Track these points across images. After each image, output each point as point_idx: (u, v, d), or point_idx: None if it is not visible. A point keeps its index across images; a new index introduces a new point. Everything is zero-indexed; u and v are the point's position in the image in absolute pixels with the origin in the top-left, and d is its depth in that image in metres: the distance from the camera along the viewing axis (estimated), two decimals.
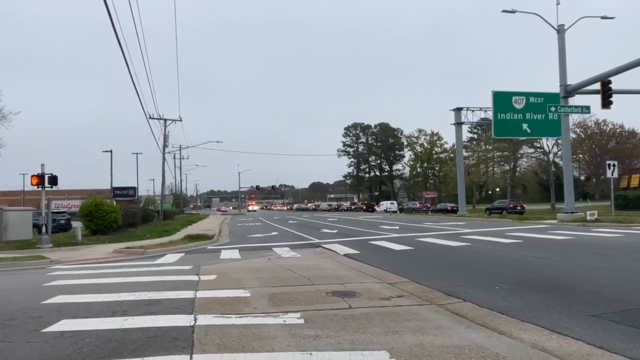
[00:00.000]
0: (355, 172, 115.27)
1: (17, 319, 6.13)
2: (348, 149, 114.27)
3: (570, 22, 28.51)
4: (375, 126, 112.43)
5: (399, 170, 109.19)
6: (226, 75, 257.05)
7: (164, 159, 40.37)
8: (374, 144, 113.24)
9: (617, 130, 73.99)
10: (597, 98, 24.64)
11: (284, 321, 5.67)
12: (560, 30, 28.14)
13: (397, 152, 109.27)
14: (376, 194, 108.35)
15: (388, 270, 9.73)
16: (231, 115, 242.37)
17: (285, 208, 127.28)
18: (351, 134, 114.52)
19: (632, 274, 8.81)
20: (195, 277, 9.24)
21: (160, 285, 8.37)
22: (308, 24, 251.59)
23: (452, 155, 76.05)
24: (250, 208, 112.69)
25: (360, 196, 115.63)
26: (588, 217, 24.22)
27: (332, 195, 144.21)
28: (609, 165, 25.90)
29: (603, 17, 28.95)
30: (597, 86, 24.66)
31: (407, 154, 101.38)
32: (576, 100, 30.07)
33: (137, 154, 61.74)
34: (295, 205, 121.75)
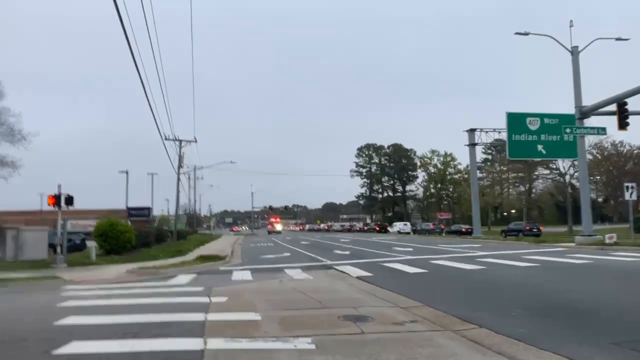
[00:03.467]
0: (368, 193, 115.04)
1: (28, 339, 6.14)
2: (361, 169, 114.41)
3: (585, 43, 28.47)
4: (388, 147, 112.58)
5: (412, 191, 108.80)
6: (238, 97, 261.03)
7: (178, 179, 40.80)
8: (387, 165, 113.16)
9: (635, 151, 72.73)
10: (614, 119, 24.31)
11: (295, 346, 5.57)
12: (574, 52, 28.07)
13: (410, 172, 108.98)
14: (389, 214, 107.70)
15: (401, 293, 9.56)
16: (243, 135, 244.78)
17: (298, 228, 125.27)
18: (364, 155, 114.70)
19: None
20: (206, 299, 9.19)
21: (171, 307, 8.33)
22: (321, 46, 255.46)
23: (466, 176, 75.42)
24: (275, 228, 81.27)
25: (373, 217, 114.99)
26: (607, 241, 23.65)
27: (345, 216, 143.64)
28: (627, 187, 25.40)
29: (617, 39, 28.87)
30: (613, 107, 24.36)
31: (421, 175, 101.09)
32: (592, 121, 29.68)
33: (152, 174, 62.58)
34: (307, 226, 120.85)
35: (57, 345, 5.68)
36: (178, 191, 40.98)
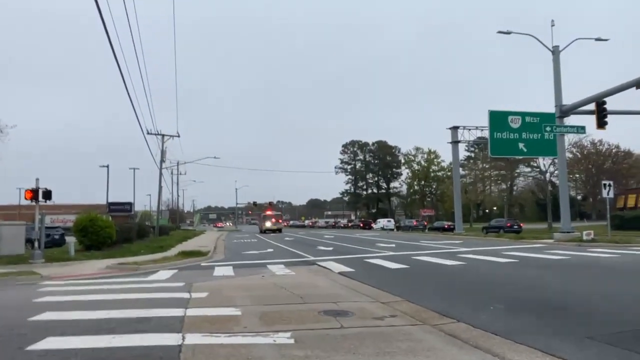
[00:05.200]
0: (352, 190, 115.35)
1: (1, 336, 6.01)
2: (346, 166, 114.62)
3: (566, 43, 28.95)
4: (373, 144, 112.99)
5: (397, 187, 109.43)
6: (223, 91, 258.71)
7: (160, 174, 40.33)
8: (372, 162, 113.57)
9: (613, 150, 74.43)
10: (593, 118, 24.82)
11: (274, 341, 5.56)
12: (555, 52, 28.51)
13: (394, 169, 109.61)
14: (373, 211, 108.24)
15: (382, 289, 9.62)
16: (228, 131, 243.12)
17: (284, 224, 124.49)
18: (349, 151, 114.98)
19: (627, 295, 8.74)
20: (186, 295, 9.11)
21: (150, 303, 8.24)
22: (306, 42, 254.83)
23: (449, 173, 76.27)
24: (271, 224, 58.80)
25: (358, 213, 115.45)
26: (584, 237, 24.16)
27: (330, 212, 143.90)
28: (605, 185, 25.95)
29: (597, 39, 29.37)
30: (592, 106, 24.87)
31: (405, 172, 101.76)
32: (572, 120, 30.29)
33: (134, 169, 61.72)
34: (291, 222, 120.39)
35: (31, 341, 5.57)
36: (160, 186, 40.54)
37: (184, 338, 5.68)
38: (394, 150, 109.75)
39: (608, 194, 25.85)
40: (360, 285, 10.25)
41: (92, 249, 21.25)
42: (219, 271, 14.09)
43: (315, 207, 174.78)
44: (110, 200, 54.82)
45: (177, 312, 7.34)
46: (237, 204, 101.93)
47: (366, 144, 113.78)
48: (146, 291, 9.87)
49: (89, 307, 7.89)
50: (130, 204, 59.03)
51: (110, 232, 22.56)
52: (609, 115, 24.33)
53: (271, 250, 24.02)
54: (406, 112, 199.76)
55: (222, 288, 10.04)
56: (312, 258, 18.09)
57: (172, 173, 66.80)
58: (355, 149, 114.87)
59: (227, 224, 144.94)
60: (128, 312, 7.37)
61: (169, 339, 5.64)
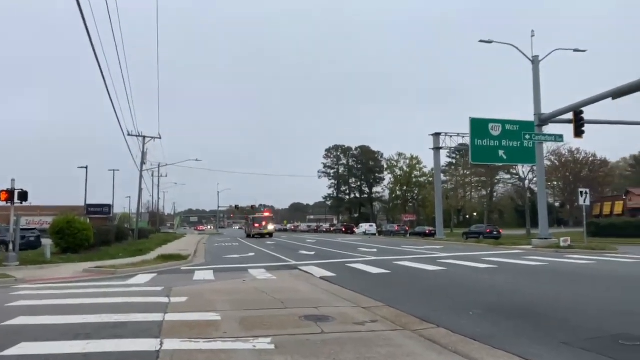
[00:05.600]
0: (335, 194, 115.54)
1: None
2: (329, 170, 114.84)
3: (545, 52, 29.57)
4: (356, 148, 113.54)
5: (379, 192, 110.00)
6: (206, 94, 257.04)
7: (141, 176, 39.79)
8: (355, 166, 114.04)
9: (590, 159, 76.33)
10: (571, 127, 25.33)
11: (254, 346, 5.52)
12: (535, 61, 29.12)
13: (377, 174, 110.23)
14: (356, 215, 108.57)
15: (363, 294, 9.64)
16: (210, 134, 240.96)
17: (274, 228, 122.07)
18: (332, 156, 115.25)
19: (603, 301, 8.93)
20: (165, 299, 8.98)
21: (128, 307, 8.09)
22: (290, 46, 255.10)
23: (431, 179, 77.00)
24: (258, 228, 50.24)
25: (340, 218, 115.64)
26: (561, 244, 24.63)
27: (312, 217, 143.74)
28: (581, 192, 26.54)
29: (575, 50, 30.14)
30: (570, 116, 25.38)
31: (387, 177, 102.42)
32: (550, 128, 30.86)
33: (114, 170, 60.68)
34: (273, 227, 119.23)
35: (4, 347, 5.41)
36: (140, 189, 39.98)
37: (162, 343, 5.59)
38: (376, 156, 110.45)
39: (584, 202, 26.44)
40: (341, 290, 10.25)
41: (68, 251, 20.79)
42: (199, 275, 13.94)
43: (298, 211, 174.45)
44: (88, 202, 53.78)
45: (156, 317, 7.22)
46: (219, 207, 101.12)
47: (349, 149, 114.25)
48: (124, 295, 9.70)
49: (64, 312, 7.71)
50: (109, 206, 57.96)
51: (87, 235, 22.12)
52: (586, 125, 24.90)
53: (252, 254, 23.87)
54: (389, 117, 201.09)
55: (202, 292, 9.93)
56: (293, 262, 18.03)
57: (152, 175, 65.99)
58: (338, 154, 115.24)
59: (209, 227, 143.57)
60: (105, 317, 7.23)
61: (147, 345, 5.55)
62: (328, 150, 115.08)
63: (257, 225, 50.78)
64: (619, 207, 76.30)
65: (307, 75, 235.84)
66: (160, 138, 39.86)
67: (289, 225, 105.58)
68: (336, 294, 9.78)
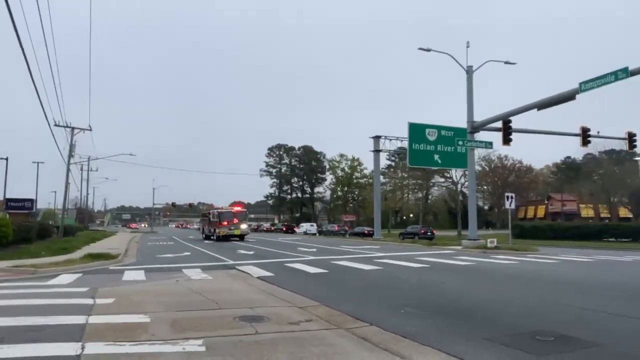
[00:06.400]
0: (277, 193, 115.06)
1: None
2: (271, 169, 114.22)
3: (479, 63, 31.20)
4: (299, 148, 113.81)
5: (321, 193, 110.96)
6: (142, 88, 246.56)
7: (68, 170, 37.40)
8: (297, 166, 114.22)
9: (517, 165, 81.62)
10: (500, 135, 26.96)
11: (184, 349, 5.34)
12: (469, 71, 30.64)
13: (319, 175, 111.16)
14: (297, 215, 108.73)
15: (300, 293, 9.65)
16: (146, 128, 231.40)
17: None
18: (274, 155, 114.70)
19: (523, 299, 9.53)
20: (90, 301, 8.47)
21: (48, 309, 7.55)
22: (231, 41, 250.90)
23: (371, 180, 78.71)
24: (226, 228, 37.32)
25: (282, 217, 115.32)
26: (488, 245, 26.09)
27: (253, 216, 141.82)
28: (507, 197, 28.30)
29: (506, 62, 32.09)
30: (499, 124, 27.00)
31: (329, 178, 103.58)
32: (482, 135, 32.63)
33: (38, 163, 56.57)
34: (189, 226, 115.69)
35: None
36: (67, 183, 37.60)
37: (83, 347, 5.27)
38: (319, 156, 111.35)
39: (510, 205, 28.20)
40: (278, 290, 10.19)
41: None
42: (129, 275, 13.29)
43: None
44: (8, 197, 49.66)
45: (78, 319, 6.79)
46: (154, 204, 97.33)
47: (292, 148, 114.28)
48: (44, 297, 9.04)
49: None
50: (32, 201, 53.78)
51: (5, 231, 20.44)
52: (513, 133, 26.57)
53: (188, 253, 23.17)
54: (334, 119, 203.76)
55: (131, 294, 9.48)
56: (231, 262, 17.71)
57: (82, 169, 62.29)
58: (281, 153, 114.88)
59: (143, 225, 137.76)
60: (21, 319, 6.70)
61: (67, 349, 5.20)
62: (271, 149, 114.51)
63: (224, 223, 37.17)
64: (541, 211, 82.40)
65: (250, 73, 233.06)
66: (90, 130, 37.59)
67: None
68: (273, 293, 9.71)
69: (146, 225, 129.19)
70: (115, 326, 6.40)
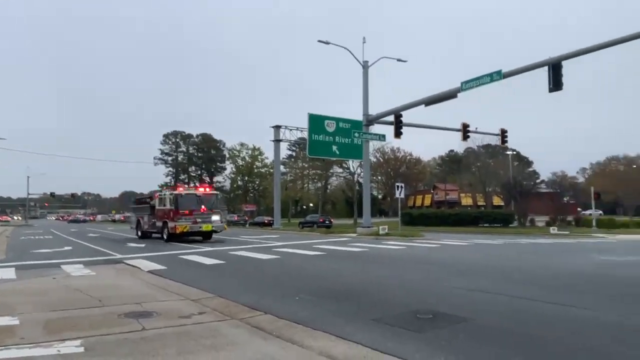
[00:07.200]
0: (173, 182, 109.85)
1: None
2: (166, 157, 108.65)
3: (375, 59, 32.65)
4: (197, 136, 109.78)
5: (220, 182, 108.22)
6: (14, 60, 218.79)
7: None
8: (195, 154, 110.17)
9: (408, 157, 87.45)
10: (392, 128, 28.58)
11: (58, 351, 4.88)
12: (365, 66, 31.94)
13: (218, 164, 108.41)
14: None
15: (194, 285, 9.35)
16: (18, 108, 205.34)
17: (91, 218, 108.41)
18: (170, 142, 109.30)
19: (409, 281, 10.28)
20: None
21: None
22: (124, 22, 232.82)
23: (271, 170, 78.71)
24: (188, 219, 23.40)
25: None
26: (380, 232, 27.69)
27: None
28: (397, 186, 30.25)
29: (398, 60, 33.97)
30: (392, 118, 28.61)
31: (229, 167, 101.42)
32: (376, 128, 34.37)
33: None
34: (99, 217, 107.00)
35: None
36: None
37: None
38: (218, 145, 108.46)
39: (400, 195, 30.16)
40: (170, 284, 9.77)
41: None
42: None
43: (130, 200, 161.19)
44: None
45: None
46: (29, 194, 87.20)
47: (190, 136, 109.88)
48: None
49: None
50: None
51: None
52: (404, 127, 28.33)
53: (69, 248, 21.18)
54: (234, 108, 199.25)
55: None
56: (119, 256, 16.55)
57: None
58: (177, 140, 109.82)
59: (16, 217, 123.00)
60: None
61: None
62: (166, 136, 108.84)
63: (184, 213, 23.85)
64: (428, 200, 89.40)
65: (145, 54, 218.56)
66: None
67: (117, 216, 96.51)
68: (164, 287, 9.28)
69: (19, 218, 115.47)
70: None
